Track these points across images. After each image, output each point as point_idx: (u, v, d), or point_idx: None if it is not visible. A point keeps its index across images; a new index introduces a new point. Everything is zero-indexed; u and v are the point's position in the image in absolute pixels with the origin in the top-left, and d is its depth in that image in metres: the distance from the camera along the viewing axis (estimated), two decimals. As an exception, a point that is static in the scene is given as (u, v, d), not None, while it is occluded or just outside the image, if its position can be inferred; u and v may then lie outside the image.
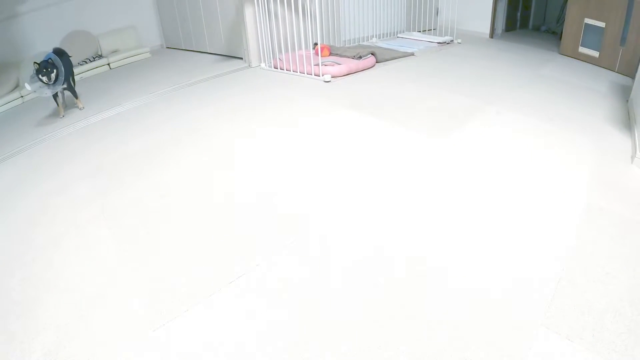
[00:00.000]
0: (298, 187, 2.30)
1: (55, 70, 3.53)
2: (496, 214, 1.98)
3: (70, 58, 3.95)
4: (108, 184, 2.49)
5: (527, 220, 1.92)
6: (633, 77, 3.57)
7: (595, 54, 4.68)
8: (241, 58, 5.02)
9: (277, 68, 4.54)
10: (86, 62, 5.16)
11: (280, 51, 4.60)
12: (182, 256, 1.81)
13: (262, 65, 4.68)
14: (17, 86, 4.58)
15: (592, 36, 4.69)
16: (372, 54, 4.56)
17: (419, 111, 3.27)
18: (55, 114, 3.84)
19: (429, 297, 1.50)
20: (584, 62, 4.78)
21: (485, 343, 1.29)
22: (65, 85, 3.73)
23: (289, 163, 2.57)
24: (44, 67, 3.48)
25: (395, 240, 1.83)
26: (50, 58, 3.54)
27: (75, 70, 4.70)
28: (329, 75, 4.05)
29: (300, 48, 4.54)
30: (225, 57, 5.28)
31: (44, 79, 3.47)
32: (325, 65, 4.17)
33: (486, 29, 6.08)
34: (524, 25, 6.86)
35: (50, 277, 1.74)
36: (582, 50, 4.85)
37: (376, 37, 5.84)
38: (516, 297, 1.48)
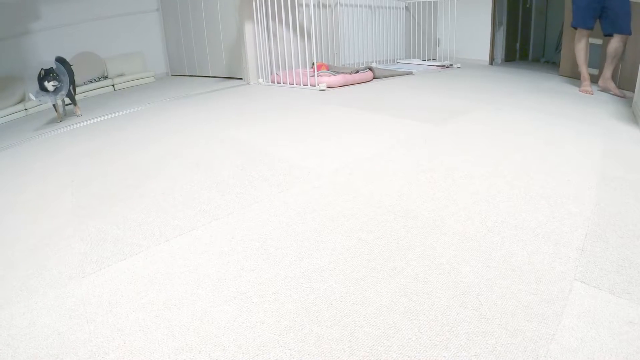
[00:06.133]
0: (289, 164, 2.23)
1: (59, 80, 3.57)
2: (509, 181, 1.82)
3: (72, 67, 4.03)
4: (86, 165, 2.43)
5: (543, 185, 1.77)
6: (634, 91, 3.52)
7: (595, 72, 4.66)
8: (241, 78, 5.10)
9: (274, 82, 4.59)
10: (92, 82, 5.27)
11: (278, 69, 4.67)
12: (140, 214, 1.73)
13: (260, 80, 4.74)
14: (22, 100, 4.66)
15: (591, 55, 4.68)
16: (369, 69, 4.60)
17: (417, 109, 3.23)
18: (53, 121, 3.87)
19: (458, 261, 1.32)
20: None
21: (513, 306, 1.06)
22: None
23: (288, 151, 2.50)
24: (49, 73, 3.53)
25: (416, 205, 1.69)
26: (54, 71, 3.60)
27: (81, 89, 4.81)
28: (325, 85, 4.07)
29: (298, 67, 4.60)
30: (226, 79, 5.37)
31: (51, 83, 3.51)
32: (321, 75, 4.21)
33: (486, 57, 6.16)
34: (524, 57, 6.94)
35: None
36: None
37: (376, 62, 5.92)
38: (538, 251, 1.28)
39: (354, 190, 1.77)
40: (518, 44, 6.74)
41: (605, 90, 3.89)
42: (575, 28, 4.13)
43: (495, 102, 3.43)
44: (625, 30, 3.70)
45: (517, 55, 6.81)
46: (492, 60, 6.15)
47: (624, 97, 3.66)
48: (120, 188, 1.99)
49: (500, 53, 6.38)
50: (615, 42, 3.80)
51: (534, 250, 1.28)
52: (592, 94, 3.96)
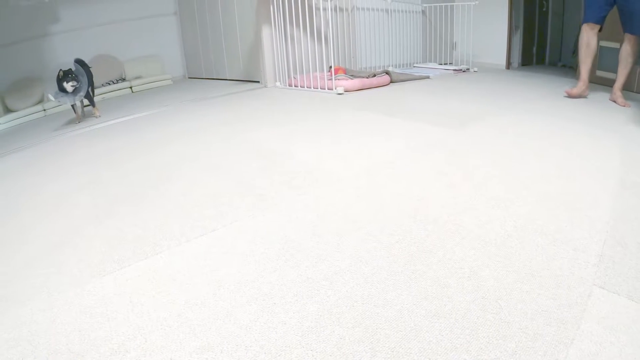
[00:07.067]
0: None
1: (78, 81, 3.64)
2: (527, 186, 1.82)
3: (91, 69, 4.09)
4: (105, 166, 2.47)
5: (561, 191, 1.75)
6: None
7: (613, 76, 4.60)
8: (258, 81, 5.14)
9: (291, 86, 4.62)
10: (109, 84, 5.35)
11: (295, 73, 4.70)
12: (159, 214, 1.75)
13: (277, 84, 4.78)
14: (41, 100, 4.75)
15: (608, 58, 4.64)
16: (386, 72, 4.60)
17: (434, 113, 3.23)
18: (72, 122, 3.94)
19: (478, 265, 1.35)
20: (602, 85, 4.71)
21: (533, 310, 1.06)
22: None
23: (308, 154, 2.52)
24: (68, 74, 3.60)
25: (435, 209, 1.70)
26: (73, 72, 3.67)
27: (99, 91, 4.88)
28: (342, 88, 4.08)
29: (315, 71, 4.63)
30: (243, 82, 5.42)
31: (70, 83, 3.58)
32: (338, 79, 4.22)
33: (502, 61, 6.13)
34: (540, 61, 6.90)
35: (19, 231, 1.70)
36: (599, 73, 4.79)
37: (392, 66, 5.92)
38: (557, 256, 1.27)
39: (374, 193, 1.78)
40: (535, 48, 6.70)
41: (614, 101, 3.79)
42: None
43: (511, 106, 3.42)
44: (631, 30, 3.53)
45: (534, 60, 6.77)
46: (508, 65, 6.12)
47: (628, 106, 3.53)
48: (140, 188, 2.02)
49: (517, 57, 6.35)
50: (624, 44, 3.66)
51: (553, 255, 1.27)
52: (575, 96, 3.83)
